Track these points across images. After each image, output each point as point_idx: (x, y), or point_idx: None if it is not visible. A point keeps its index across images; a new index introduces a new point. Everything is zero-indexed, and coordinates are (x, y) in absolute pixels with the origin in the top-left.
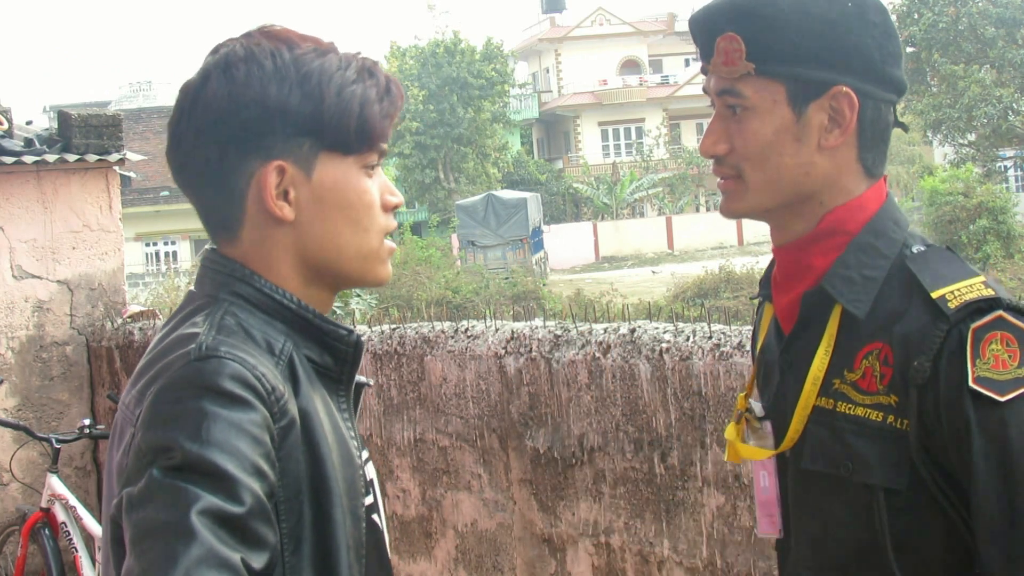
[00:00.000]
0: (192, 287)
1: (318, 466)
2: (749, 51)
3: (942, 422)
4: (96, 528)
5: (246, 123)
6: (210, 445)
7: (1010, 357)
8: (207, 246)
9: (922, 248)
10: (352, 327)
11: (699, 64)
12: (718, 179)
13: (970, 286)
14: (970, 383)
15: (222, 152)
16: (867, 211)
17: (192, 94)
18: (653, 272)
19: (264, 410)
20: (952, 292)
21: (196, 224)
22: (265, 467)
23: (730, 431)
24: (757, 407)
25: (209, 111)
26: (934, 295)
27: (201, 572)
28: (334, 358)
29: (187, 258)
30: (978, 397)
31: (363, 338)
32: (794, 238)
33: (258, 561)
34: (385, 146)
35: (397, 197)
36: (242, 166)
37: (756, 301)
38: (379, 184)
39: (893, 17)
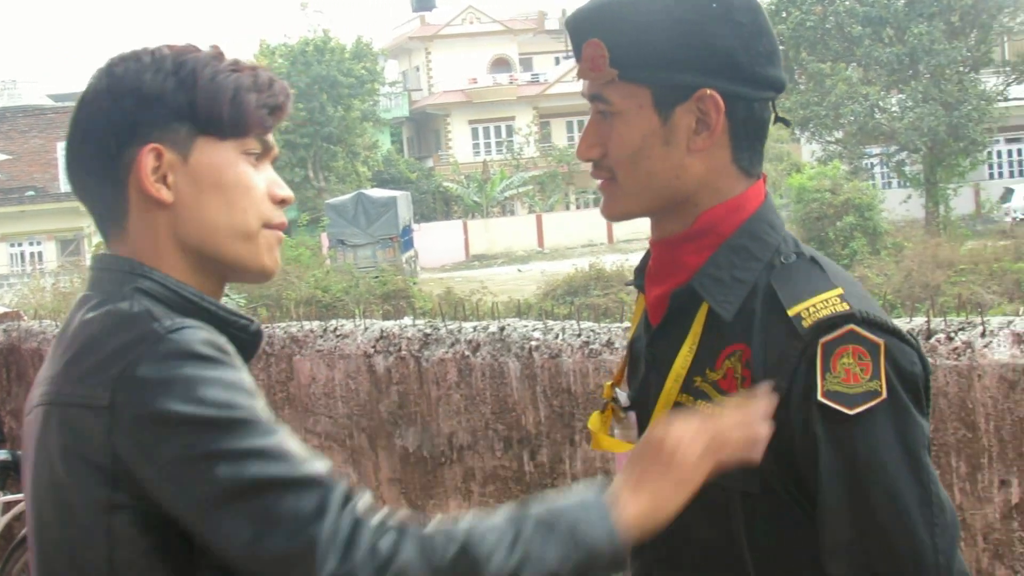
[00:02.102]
0: (87, 291)
1: None
2: (612, 57)
3: (794, 435)
4: None
5: (124, 112)
6: (212, 405)
7: (862, 371)
8: (95, 251)
9: (792, 257)
10: (252, 317)
11: (569, 62)
12: (597, 181)
13: (826, 301)
14: (818, 397)
15: (104, 143)
16: (743, 212)
17: (81, 97)
18: (519, 271)
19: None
20: (807, 309)
21: (62, 224)
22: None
23: (594, 420)
24: (623, 396)
25: (92, 106)
26: (790, 312)
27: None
28: (235, 347)
29: (53, 259)
30: (827, 411)
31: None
32: (669, 235)
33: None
34: (270, 140)
35: (285, 191)
36: (122, 154)
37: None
38: (266, 177)
39: None
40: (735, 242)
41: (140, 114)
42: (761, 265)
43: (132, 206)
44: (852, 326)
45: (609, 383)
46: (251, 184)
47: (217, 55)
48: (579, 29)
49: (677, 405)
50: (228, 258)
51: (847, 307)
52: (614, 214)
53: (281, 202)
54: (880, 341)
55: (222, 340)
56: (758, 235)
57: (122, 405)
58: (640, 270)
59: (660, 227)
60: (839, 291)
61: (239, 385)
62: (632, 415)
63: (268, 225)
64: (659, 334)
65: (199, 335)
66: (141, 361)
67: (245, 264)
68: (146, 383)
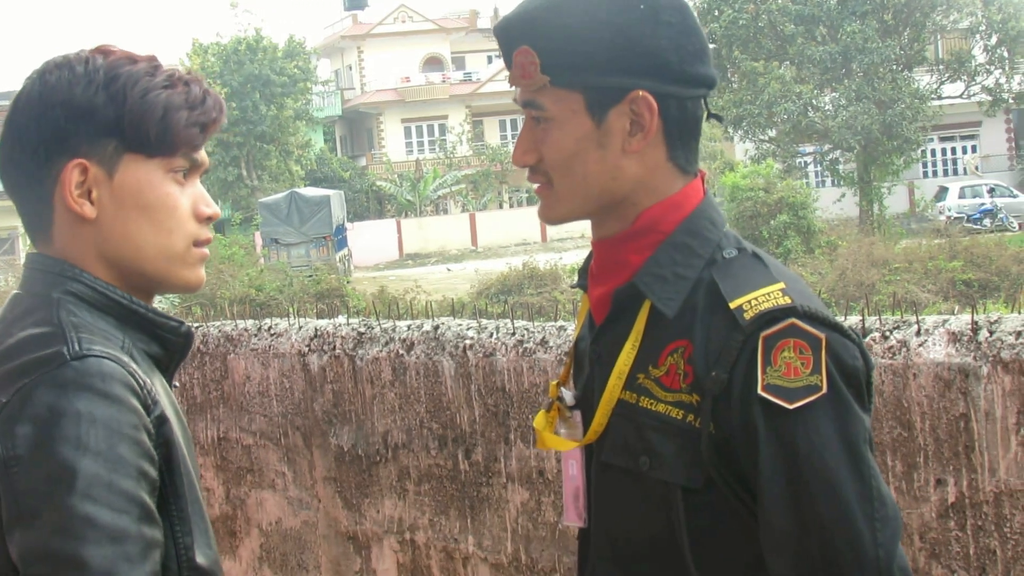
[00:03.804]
0: (18, 290)
1: (172, 450)
2: (543, 64)
3: (735, 429)
4: None
5: (54, 124)
6: (91, 453)
7: (803, 364)
8: (29, 250)
9: (733, 252)
10: (182, 319)
11: (501, 61)
12: (535, 185)
13: (767, 295)
14: (759, 391)
15: (33, 152)
16: (683, 210)
17: (13, 100)
18: (448, 270)
19: (140, 407)
20: (749, 302)
21: None
22: (146, 466)
23: (539, 419)
24: (568, 396)
25: (23, 114)
26: (732, 305)
27: None
28: (164, 348)
29: None
30: (767, 405)
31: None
32: (610, 235)
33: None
34: (199, 156)
35: (212, 208)
36: (50, 165)
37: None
38: (192, 193)
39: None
40: (676, 239)
41: (69, 127)
42: (702, 262)
43: (57, 217)
44: (793, 320)
45: (555, 382)
46: (176, 204)
47: (151, 69)
48: (508, 37)
49: (620, 402)
50: (152, 275)
51: (789, 301)
52: (552, 218)
53: (207, 219)
54: (821, 336)
55: (128, 370)
56: (699, 232)
57: (9, 411)
58: (583, 270)
59: (600, 227)
60: (781, 285)
61: (119, 430)
62: (577, 414)
63: (194, 243)
64: (603, 332)
65: (103, 367)
66: (41, 382)
67: (170, 281)
68: (28, 411)
